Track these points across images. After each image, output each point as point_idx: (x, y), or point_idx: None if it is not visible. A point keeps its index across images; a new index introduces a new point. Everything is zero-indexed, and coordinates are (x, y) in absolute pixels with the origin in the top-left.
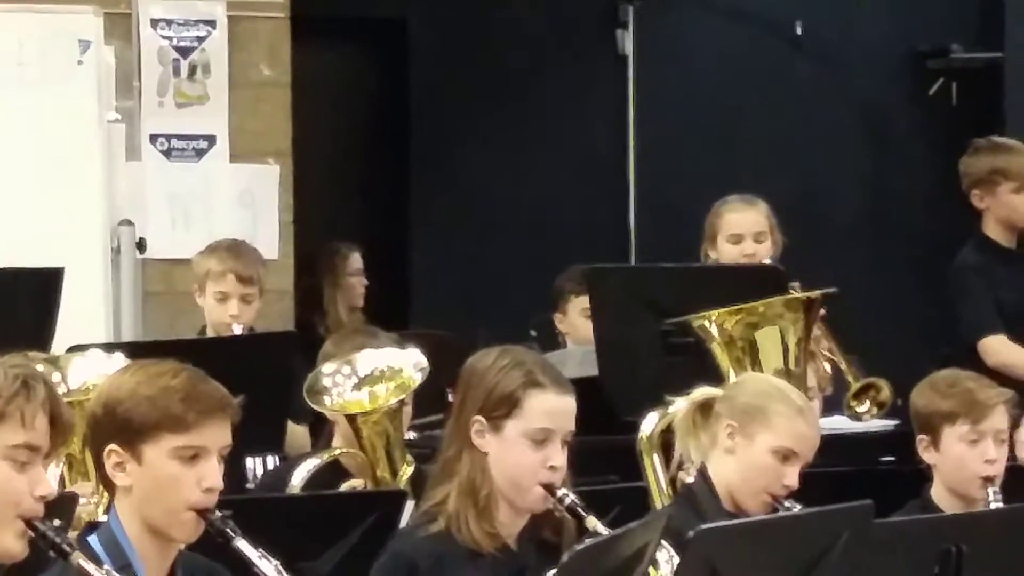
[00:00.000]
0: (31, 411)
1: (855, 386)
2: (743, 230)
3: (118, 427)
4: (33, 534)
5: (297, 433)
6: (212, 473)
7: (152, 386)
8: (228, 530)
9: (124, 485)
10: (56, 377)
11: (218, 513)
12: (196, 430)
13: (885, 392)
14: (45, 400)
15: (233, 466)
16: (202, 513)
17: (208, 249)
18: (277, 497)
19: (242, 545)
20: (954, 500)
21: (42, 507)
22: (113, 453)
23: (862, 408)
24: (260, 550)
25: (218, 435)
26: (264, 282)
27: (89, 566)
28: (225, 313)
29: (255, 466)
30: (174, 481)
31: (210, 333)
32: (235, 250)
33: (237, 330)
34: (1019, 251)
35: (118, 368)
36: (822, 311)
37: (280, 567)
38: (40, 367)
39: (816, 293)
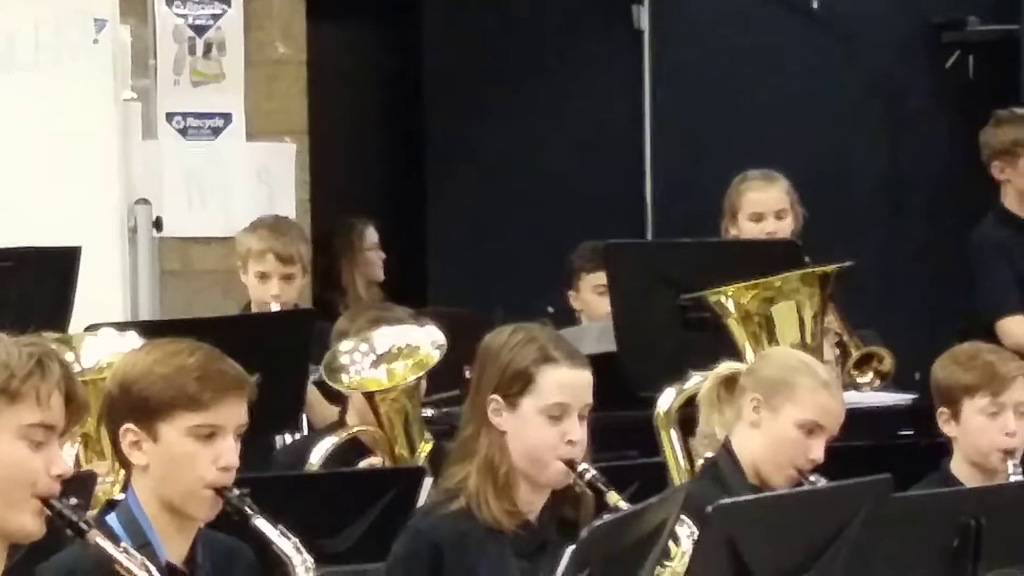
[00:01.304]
0: (46, 390)
1: (856, 355)
2: (764, 208)
3: (134, 406)
4: (50, 513)
5: (327, 414)
6: (228, 451)
7: (168, 365)
8: (246, 508)
9: (140, 464)
10: (69, 356)
11: (236, 491)
12: (212, 408)
13: (887, 362)
14: (60, 379)
15: (261, 445)
16: (219, 491)
17: (250, 226)
18: (296, 475)
19: (260, 523)
20: (974, 473)
21: (59, 486)
22: (129, 432)
23: (863, 378)
24: (280, 527)
25: (234, 413)
26: (307, 260)
27: (106, 543)
28: (267, 292)
29: (283, 444)
30: (190, 459)
31: (254, 310)
32: (276, 228)
33: (276, 308)
34: None
35: (132, 347)
36: None
37: (299, 544)
38: (53, 346)
39: (832, 267)
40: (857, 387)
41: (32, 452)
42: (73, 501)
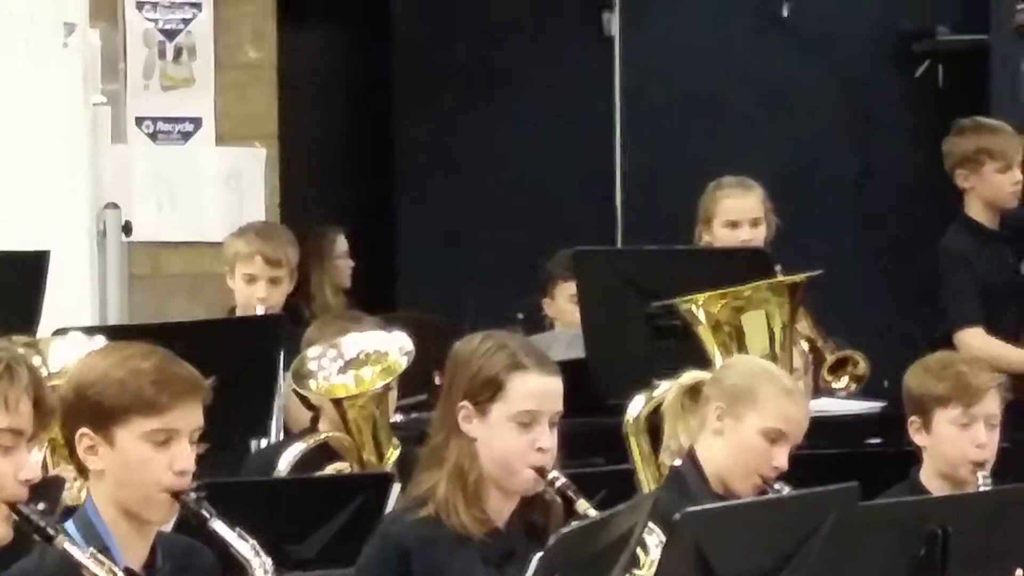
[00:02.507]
0: (15, 395)
1: (830, 359)
2: (740, 216)
3: (89, 410)
4: (17, 518)
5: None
6: (184, 456)
7: (123, 368)
8: (203, 511)
9: (97, 469)
10: (37, 360)
11: (192, 495)
12: (167, 413)
13: (862, 366)
14: (28, 384)
15: (233, 451)
16: (176, 495)
17: (239, 230)
18: (263, 481)
19: (218, 526)
20: (944, 483)
21: (26, 491)
22: (85, 437)
23: (838, 384)
24: (237, 529)
25: (189, 417)
26: (294, 264)
27: (73, 549)
28: (252, 295)
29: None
30: (146, 464)
31: (239, 314)
32: (264, 232)
33: (261, 311)
34: (1001, 231)
35: (85, 354)
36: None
37: (258, 546)
38: (20, 350)
39: (801, 277)
40: (832, 392)
41: (0, 457)
42: (41, 506)
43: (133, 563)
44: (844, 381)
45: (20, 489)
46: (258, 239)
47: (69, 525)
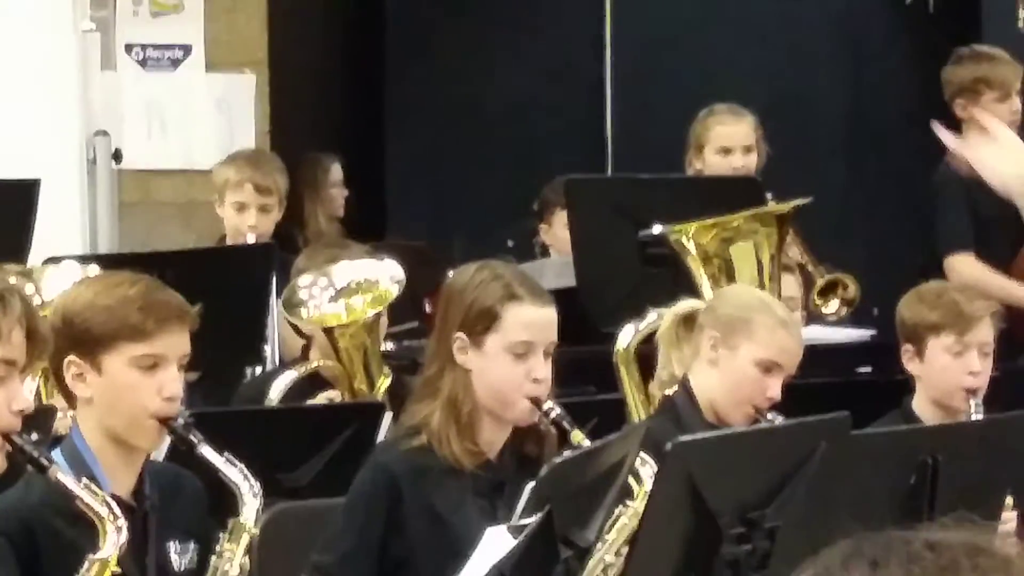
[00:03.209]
0: (7, 325)
1: (820, 283)
2: (732, 143)
3: (77, 338)
4: (11, 448)
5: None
6: (172, 381)
7: (109, 296)
8: (191, 436)
9: (84, 396)
10: (30, 289)
11: (180, 420)
12: (154, 338)
13: (851, 289)
14: (21, 315)
15: (227, 378)
16: (164, 421)
17: (228, 158)
18: (255, 409)
19: (206, 451)
20: (937, 411)
21: (19, 421)
22: (72, 364)
23: (828, 307)
24: (226, 454)
25: (177, 344)
26: (284, 192)
27: (67, 479)
28: (243, 222)
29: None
30: (133, 390)
31: (229, 242)
32: (254, 160)
33: (252, 239)
34: None
35: (76, 281)
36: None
37: (246, 471)
38: (13, 279)
39: (788, 206)
40: (822, 317)
41: None
42: (35, 436)
43: (120, 491)
44: (834, 305)
45: (13, 420)
46: (248, 166)
47: (56, 454)
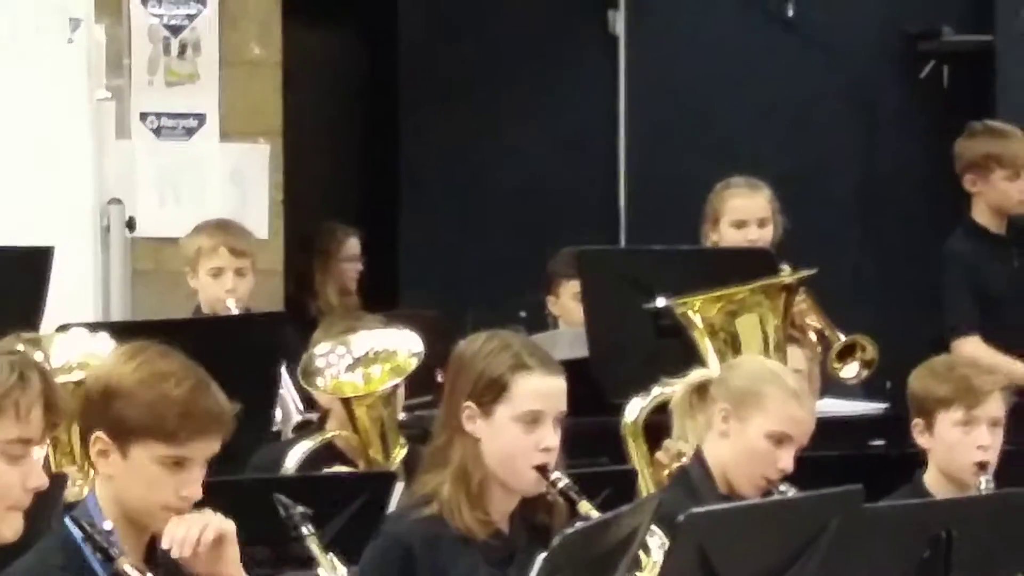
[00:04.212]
0: (26, 403)
1: (837, 346)
2: (747, 216)
3: (110, 419)
4: (83, 534)
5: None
6: (192, 483)
7: (153, 390)
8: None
9: (105, 473)
10: (39, 356)
11: (300, 508)
12: (186, 445)
13: (870, 350)
14: (40, 392)
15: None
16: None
17: (195, 229)
18: (268, 478)
19: (313, 547)
20: (948, 485)
21: (31, 497)
22: (99, 440)
23: (848, 371)
24: (331, 555)
25: (207, 449)
26: (256, 256)
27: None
28: (221, 289)
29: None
30: (154, 484)
31: (206, 311)
32: (223, 225)
33: (232, 305)
34: (1008, 235)
35: (104, 348)
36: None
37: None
38: (21, 347)
39: (792, 277)
40: (841, 381)
41: (8, 466)
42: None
43: (134, 557)
44: (854, 368)
45: (26, 497)
46: (219, 232)
47: (70, 520)
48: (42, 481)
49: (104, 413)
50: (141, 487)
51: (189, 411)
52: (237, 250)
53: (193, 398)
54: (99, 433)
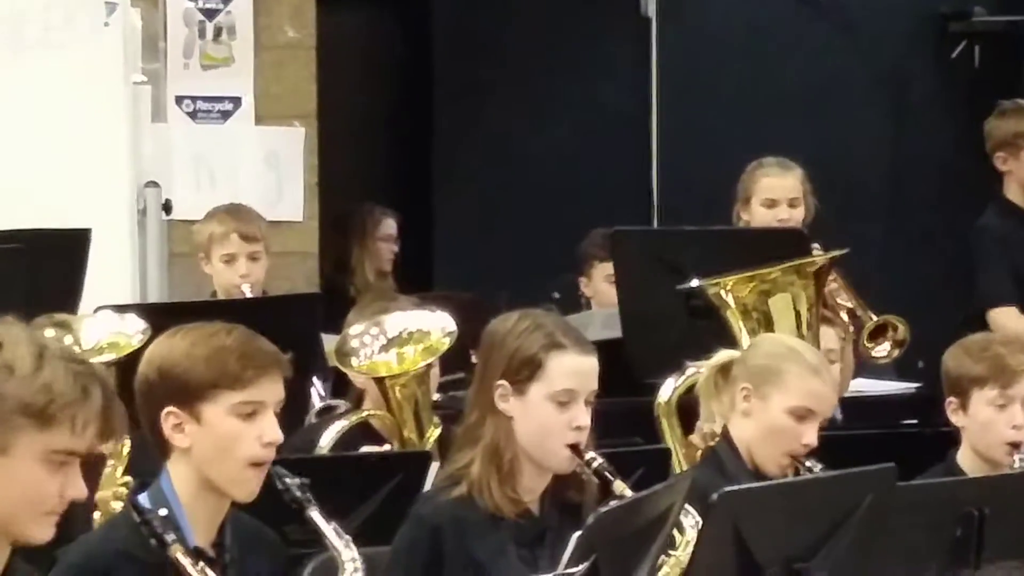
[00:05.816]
0: (83, 419)
1: (869, 326)
2: (778, 195)
3: (175, 389)
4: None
5: None
6: (271, 427)
7: (206, 346)
8: (304, 499)
9: (183, 446)
10: (68, 339)
11: (297, 479)
12: (253, 386)
13: (901, 330)
14: (100, 409)
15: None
16: (258, 465)
17: (207, 215)
18: (304, 458)
19: (315, 515)
20: (981, 464)
21: (66, 503)
22: (171, 415)
23: (879, 351)
24: (333, 523)
25: (274, 389)
26: (268, 240)
27: (186, 562)
28: (234, 274)
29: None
30: (234, 438)
31: (221, 297)
32: (234, 211)
33: (247, 290)
34: None
35: (134, 328)
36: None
37: (351, 541)
38: (51, 331)
39: (824, 257)
40: (873, 360)
41: (49, 475)
42: (163, 512)
43: (202, 541)
44: (885, 347)
45: (61, 504)
46: (230, 218)
47: (143, 497)
48: (81, 492)
49: (167, 386)
50: (222, 446)
51: (246, 352)
52: (248, 235)
53: (247, 341)
54: (168, 408)
